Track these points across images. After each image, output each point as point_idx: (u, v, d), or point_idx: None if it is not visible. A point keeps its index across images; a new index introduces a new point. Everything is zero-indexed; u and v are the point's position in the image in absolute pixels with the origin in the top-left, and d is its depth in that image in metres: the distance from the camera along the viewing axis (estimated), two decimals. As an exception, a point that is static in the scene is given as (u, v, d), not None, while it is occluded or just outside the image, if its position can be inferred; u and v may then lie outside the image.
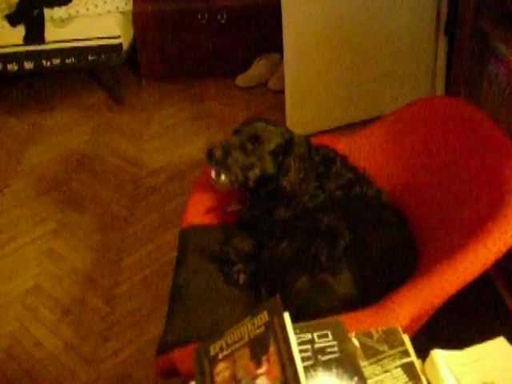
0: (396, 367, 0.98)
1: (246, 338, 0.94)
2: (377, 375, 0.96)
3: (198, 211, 1.94)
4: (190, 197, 1.98)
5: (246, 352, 0.92)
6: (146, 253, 2.54)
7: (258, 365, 0.89)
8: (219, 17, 3.53)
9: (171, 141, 3.27)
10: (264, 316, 0.95)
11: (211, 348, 0.98)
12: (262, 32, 3.62)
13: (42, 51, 3.26)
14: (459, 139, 1.53)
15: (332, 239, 1.50)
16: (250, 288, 1.66)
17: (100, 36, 3.24)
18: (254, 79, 3.69)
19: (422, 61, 3.12)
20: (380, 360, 0.99)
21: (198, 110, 3.53)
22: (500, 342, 1.03)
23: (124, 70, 3.74)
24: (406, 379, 0.96)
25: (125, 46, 3.36)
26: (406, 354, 1.00)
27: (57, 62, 3.28)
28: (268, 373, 0.87)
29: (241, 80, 3.70)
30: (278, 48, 3.60)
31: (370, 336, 1.03)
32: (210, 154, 1.68)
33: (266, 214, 1.68)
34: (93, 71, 3.72)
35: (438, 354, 1.01)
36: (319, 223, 1.55)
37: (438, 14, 2.98)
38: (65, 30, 3.22)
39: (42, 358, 2.12)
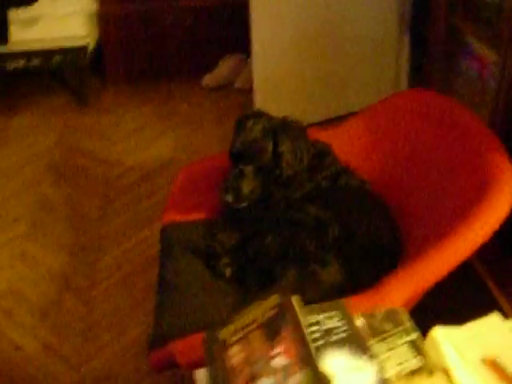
0: (401, 344, 1.02)
1: (259, 321, 0.97)
2: (383, 353, 1.00)
3: (179, 207, 1.95)
4: (170, 193, 1.99)
5: (260, 334, 0.94)
6: (122, 252, 2.52)
7: (273, 345, 0.92)
8: (184, 17, 3.54)
9: (140, 141, 3.25)
10: (275, 299, 0.98)
11: (221, 334, 0.99)
12: (228, 32, 3.64)
13: (6, 53, 3.20)
14: (439, 129, 1.59)
15: (320, 231, 1.54)
16: (237, 281, 1.68)
17: (66, 37, 3.21)
18: (220, 79, 3.70)
19: (385, 58, 3.20)
20: (385, 338, 1.02)
21: (165, 111, 3.52)
22: (495, 317, 1.08)
23: (88, 72, 3.69)
24: (412, 355, 1.00)
25: (91, 47, 3.32)
26: (409, 331, 1.04)
27: (22, 63, 3.22)
28: (284, 352, 0.90)
29: (207, 80, 3.71)
30: (244, 48, 3.64)
31: (374, 316, 1.07)
32: (223, 201, 1.70)
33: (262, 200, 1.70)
34: (57, 73, 3.66)
35: (438, 331, 1.05)
36: (306, 215, 1.59)
37: (402, 14, 3.08)
38: (30, 31, 3.18)
39: (22, 361, 2.08)
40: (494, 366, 0.99)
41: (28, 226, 2.68)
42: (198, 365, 1.30)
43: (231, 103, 3.56)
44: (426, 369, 0.98)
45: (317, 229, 1.54)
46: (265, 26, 2.90)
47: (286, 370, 0.87)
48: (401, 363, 0.98)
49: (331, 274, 1.48)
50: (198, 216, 1.92)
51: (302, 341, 0.89)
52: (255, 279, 1.61)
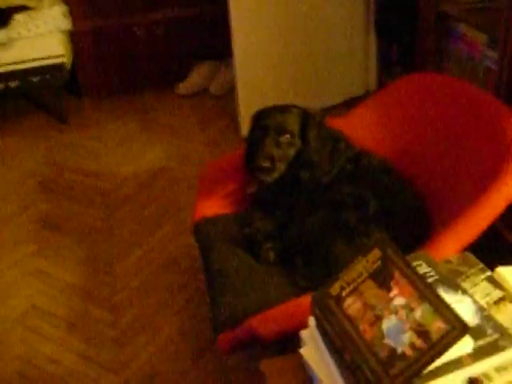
0: (481, 281, 1.17)
1: (366, 273, 1.09)
2: (469, 289, 1.14)
3: (207, 204, 2.05)
4: (197, 192, 2.09)
5: (371, 283, 1.07)
6: (136, 259, 2.58)
7: (388, 290, 1.04)
8: (156, 29, 3.63)
9: (128, 153, 3.32)
10: (376, 252, 1.10)
11: (331, 290, 1.11)
12: (198, 41, 3.77)
13: (-15, 76, 3.20)
14: (451, 108, 1.76)
15: (359, 207, 1.68)
16: (280, 263, 1.79)
17: (43, 56, 3.23)
18: (194, 86, 3.81)
19: (355, 52, 3.42)
20: (467, 277, 1.17)
21: (145, 121, 3.60)
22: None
23: (64, 89, 3.72)
24: (492, 288, 1.15)
25: (67, 65, 3.36)
26: (483, 270, 1.19)
27: (1, 86, 3.22)
28: (400, 293, 1.03)
29: (182, 88, 3.81)
30: (215, 54, 3.78)
31: (451, 262, 1.22)
32: (259, 167, 1.81)
33: (291, 181, 1.82)
34: (34, 93, 3.67)
35: (501, 270, 1.21)
36: (343, 195, 1.72)
37: (368, 12, 3.30)
38: (7, 53, 3.18)
39: (61, 373, 2.10)
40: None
41: (35, 245, 2.69)
42: (279, 334, 1.43)
43: (209, 109, 3.68)
44: (506, 298, 1.13)
45: (356, 206, 1.68)
46: (245, 33, 3.04)
47: (407, 307, 1.00)
48: (485, 295, 1.13)
49: (377, 242, 1.61)
50: (226, 210, 2.03)
51: (415, 280, 1.02)
52: (301, 258, 1.72)
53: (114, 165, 3.21)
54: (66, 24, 3.33)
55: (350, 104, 3.49)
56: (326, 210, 1.72)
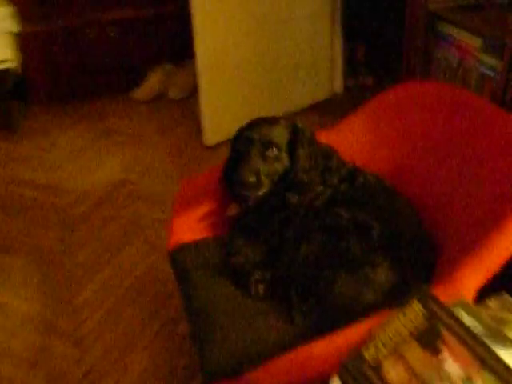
0: (526, 328, 1.03)
1: (406, 331, 0.93)
2: (513, 338, 1.01)
3: (184, 228, 1.85)
4: (172, 215, 1.89)
5: (414, 344, 0.92)
6: (99, 285, 2.35)
7: (436, 352, 0.89)
8: (108, 30, 3.38)
9: (84, 164, 3.07)
10: (416, 306, 0.95)
11: (365, 354, 0.94)
12: (154, 43, 3.54)
13: None
14: (455, 119, 1.62)
15: (362, 233, 1.51)
16: (271, 297, 1.61)
17: (-11, 61, 2.95)
18: (151, 91, 3.59)
19: (320, 54, 3.29)
20: (508, 324, 1.03)
21: (101, 129, 3.35)
22: None
23: (12, 96, 3.41)
24: (539, 337, 1.02)
25: (16, 70, 3.08)
26: (526, 315, 1.06)
27: None
28: (453, 356, 0.88)
29: (138, 93, 3.58)
30: (171, 58, 3.57)
31: (488, 306, 1.07)
32: (244, 182, 1.63)
33: (277, 203, 1.66)
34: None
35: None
36: (341, 219, 1.56)
37: (334, 11, 3.17)
38: None
39: (21, 420, 1.88)
40: None
41: (-15, 272, 2.43)
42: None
43: (168, 114, 3.47)
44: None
45: (357, 231, 1.52)
46: (207, 34, 2.84)
47: (464, 377, 0.85)
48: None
49: (384, 273, 1.46)
50: (205, 233, 1.83)
51: (468, 340, 0.88)
52: (296, 291, 1.55)
53: (69, 178, 2.96)
54: (13, 26, 3.04)
55: (317, 108, 3.37)
56: (323, 237, 1.55)
